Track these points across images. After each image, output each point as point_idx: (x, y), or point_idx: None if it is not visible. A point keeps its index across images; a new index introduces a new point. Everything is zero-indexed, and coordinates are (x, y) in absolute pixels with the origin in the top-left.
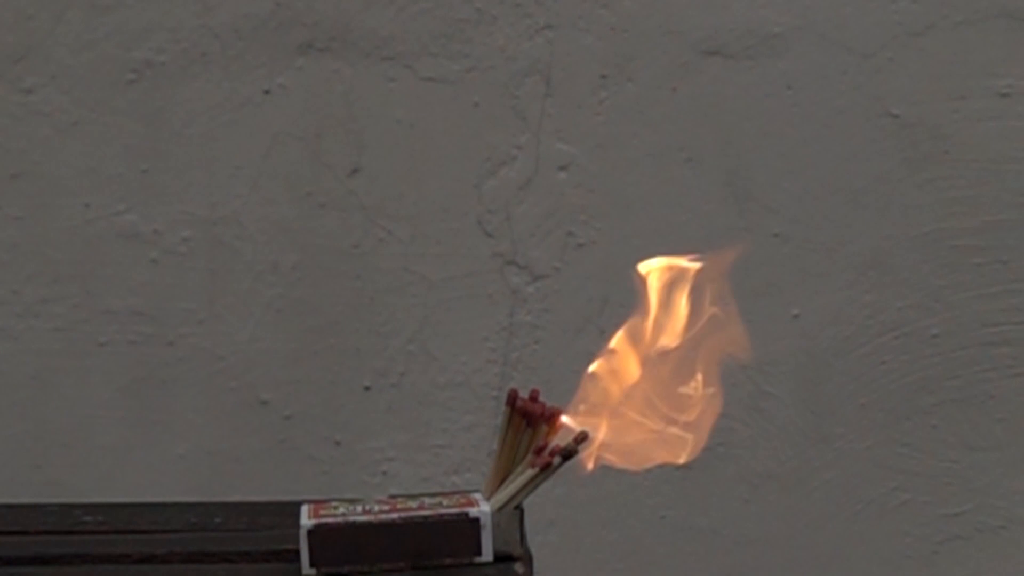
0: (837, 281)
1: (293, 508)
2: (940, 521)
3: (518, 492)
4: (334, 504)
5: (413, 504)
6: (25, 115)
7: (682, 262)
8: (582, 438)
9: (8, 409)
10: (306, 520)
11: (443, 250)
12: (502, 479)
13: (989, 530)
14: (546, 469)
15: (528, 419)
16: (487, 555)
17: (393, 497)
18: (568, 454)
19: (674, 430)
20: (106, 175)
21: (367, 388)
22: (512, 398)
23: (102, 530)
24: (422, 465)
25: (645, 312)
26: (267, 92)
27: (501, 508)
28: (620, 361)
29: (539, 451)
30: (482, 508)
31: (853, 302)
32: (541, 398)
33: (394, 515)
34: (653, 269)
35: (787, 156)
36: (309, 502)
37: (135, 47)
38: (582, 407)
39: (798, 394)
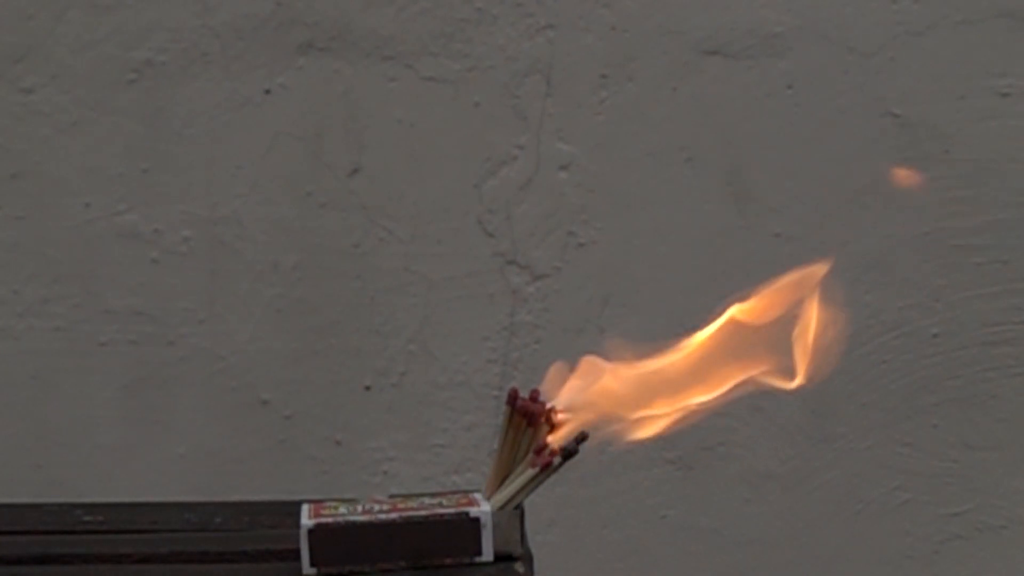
0: (838, 281)
1: (293, 508)
2: (941, 521)
3: (519, 492)
4: (334, 504)
5: (413, 504)
6: (25, 115)
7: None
8: (582, 438)
9: (8, 409)
10: (306, 520)
11: (443, 250)
12: (503, 479)
13: (990, 530)
14: (547, 469)
15: (529, 419)
16: (487, 555)
17: (393, 497)
18: (569, 454)
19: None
20: (106, 175)
21: (367, 388)
22: (513, 397)
23: (102, 530)
24: (422, 465)
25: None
26: (267, 92)
27: (502, 508)
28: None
29: (540, 451)
30: (482, 508)
31: (854, 302)
32: (541, 398)
33: (394, 515)
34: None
35: (787, 156)
36: (309, 502)
37: (135, 47)
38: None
39: (798, 394)
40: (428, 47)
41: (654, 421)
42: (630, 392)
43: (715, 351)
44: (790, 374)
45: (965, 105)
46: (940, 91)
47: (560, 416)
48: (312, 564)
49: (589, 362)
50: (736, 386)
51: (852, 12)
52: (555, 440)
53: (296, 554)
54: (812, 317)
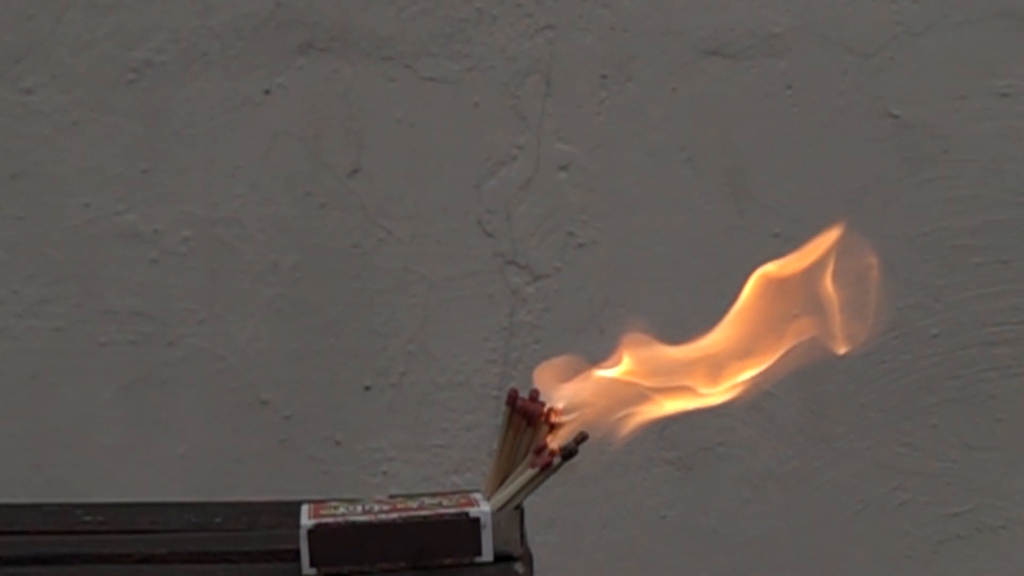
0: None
1: (293, 508)
2: (940, 521)
3: (518, 492)
4: (334, 504)
5: (413, 504)
6: (25, 115)
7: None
8: (582, 438)
9: (8, 409)
10: (306, 520)
11: (443, 250)
12: (502, 479)
13: (989, 530)
14: (546, 469)
15: (528, 419)
16: (487, 555)
17: (393, 497)
18: (568, 454)
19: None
20: (106, 175)
21: (367, 388)
22: (512, 398)
23: (102, 530)
24: (422, 465)
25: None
26: (267, 92)
27: (501, 508)
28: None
29: (539, 451)
30: (482, 508)
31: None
32: (541, 398)
33: (394, 515)
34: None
35: (787, 156)
36: (309, 502)
37: (135, 47)
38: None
39: (798, 394)
40: (428, 47)
41: (698, 398)
42: (672, 374)
43: (755, 323)
44: (836, 340)
45: (965, 105)
46: (940, 91)
47: (562, 416)
48: (312, 564)
49: (631, 340)
50: (783, 356)
51: (851, 12)
52: (555, 440)
53: (296, 554)
54: (829, 276)
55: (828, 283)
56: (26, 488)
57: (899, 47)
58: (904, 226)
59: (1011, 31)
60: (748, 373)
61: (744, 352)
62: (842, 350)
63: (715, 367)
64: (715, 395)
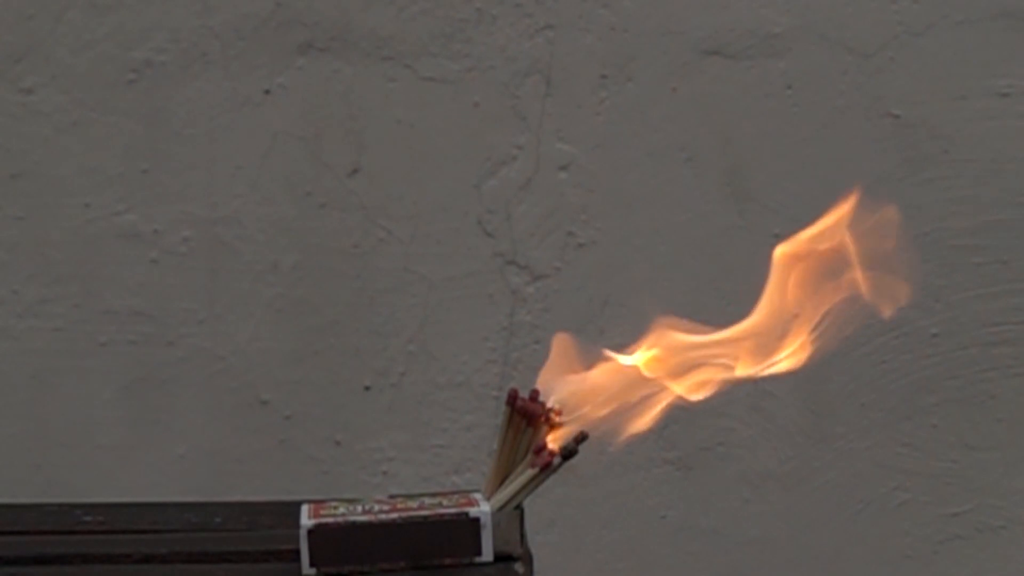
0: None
1: (293, 508)
2: (940, 521)
3: (518, 492)
4: (334, 504)
5: (413, 504)
6: (25, 115)
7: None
8: (582, 438)
9: (8, 409)
10: (306, 520)
11: (443, 250)
12: (502, 479)
13: (989, 530)
14: (546, 469)
15: (528, 419)
16: (487, 555)
17: (393, 497)
18: (568, 454)
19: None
20: (106, 175)
21: (367, 388)
22: (512, 398)
23: (102, 530)
24: (422, 465)
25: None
26: (267, 92)
27: (501, 508)
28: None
29: (539, 451)
30: (482, 508)
31: (853, 302)
32: (541, 398)
33: (394, 515)
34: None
35: (787, 156)
36: (309, 502)
37: (135, 47)
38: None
39: (798, 394)
40: (428, 47)
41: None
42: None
43: (790, 297)
44: (879, 303)
45: (965, 105)
46: (940, 91)
47: (561, 417)
48: (312, 564)
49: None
50: (826, 318)
51: (851, 12)
52: (554, 440)
53: (296, 554)
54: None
55: (855, 247)
56: (26, 488)
57: (899, 47)
58: (904, 226)
59: (1011, 31)
60: (798, 341)
61: (784, 328)
62: (888, 312)
63: (760, 344)
64: (783, 361)
